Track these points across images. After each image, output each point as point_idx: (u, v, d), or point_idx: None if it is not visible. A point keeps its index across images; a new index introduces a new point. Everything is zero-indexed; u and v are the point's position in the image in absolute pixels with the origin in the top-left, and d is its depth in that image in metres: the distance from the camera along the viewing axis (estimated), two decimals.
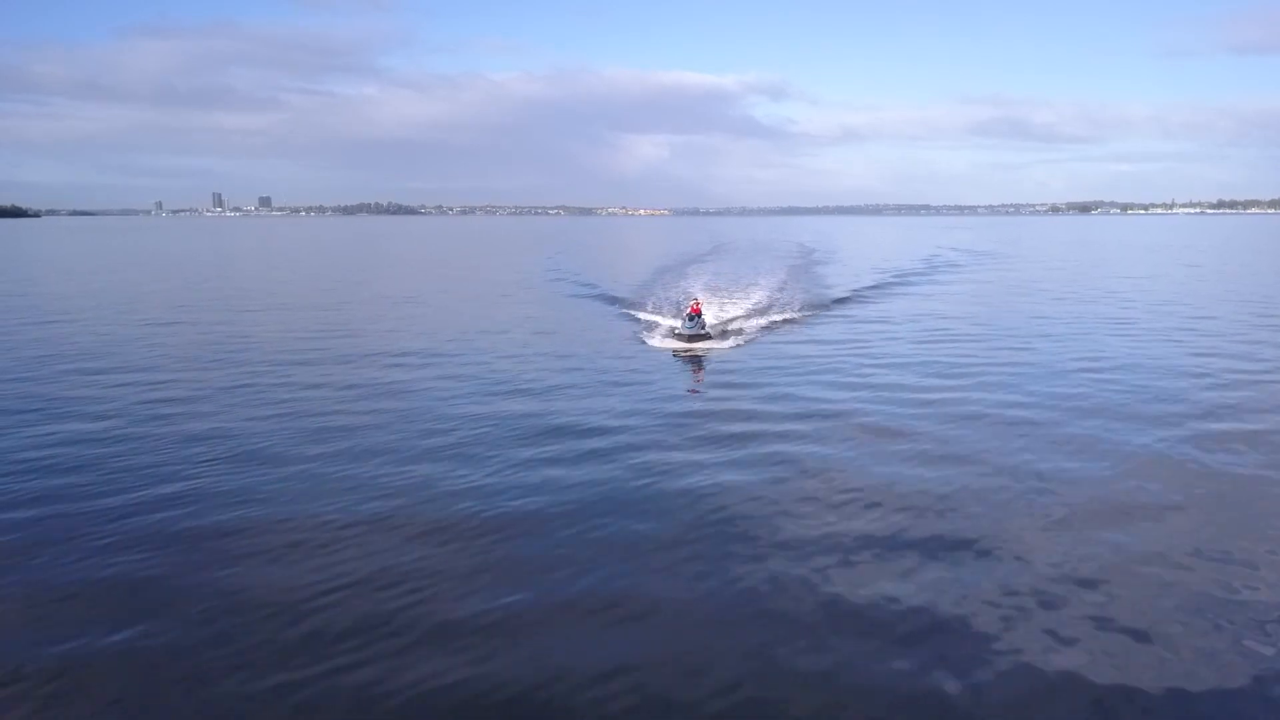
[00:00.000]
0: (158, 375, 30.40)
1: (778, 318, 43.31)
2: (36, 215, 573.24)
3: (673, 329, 37.12)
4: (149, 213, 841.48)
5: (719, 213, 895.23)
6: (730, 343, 36.06)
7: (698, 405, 25.71)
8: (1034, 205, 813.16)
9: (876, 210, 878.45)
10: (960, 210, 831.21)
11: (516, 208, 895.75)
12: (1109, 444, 21.19)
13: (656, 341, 36.26)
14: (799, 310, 46.55)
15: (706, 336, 35.64)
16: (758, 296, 52.96)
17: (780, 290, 58.31)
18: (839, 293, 57.48)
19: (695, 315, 36.73)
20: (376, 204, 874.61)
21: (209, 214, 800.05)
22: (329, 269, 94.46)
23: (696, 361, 32.75)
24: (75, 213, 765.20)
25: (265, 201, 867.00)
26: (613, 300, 53.42)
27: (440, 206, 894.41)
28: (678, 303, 42.40)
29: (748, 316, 43.73)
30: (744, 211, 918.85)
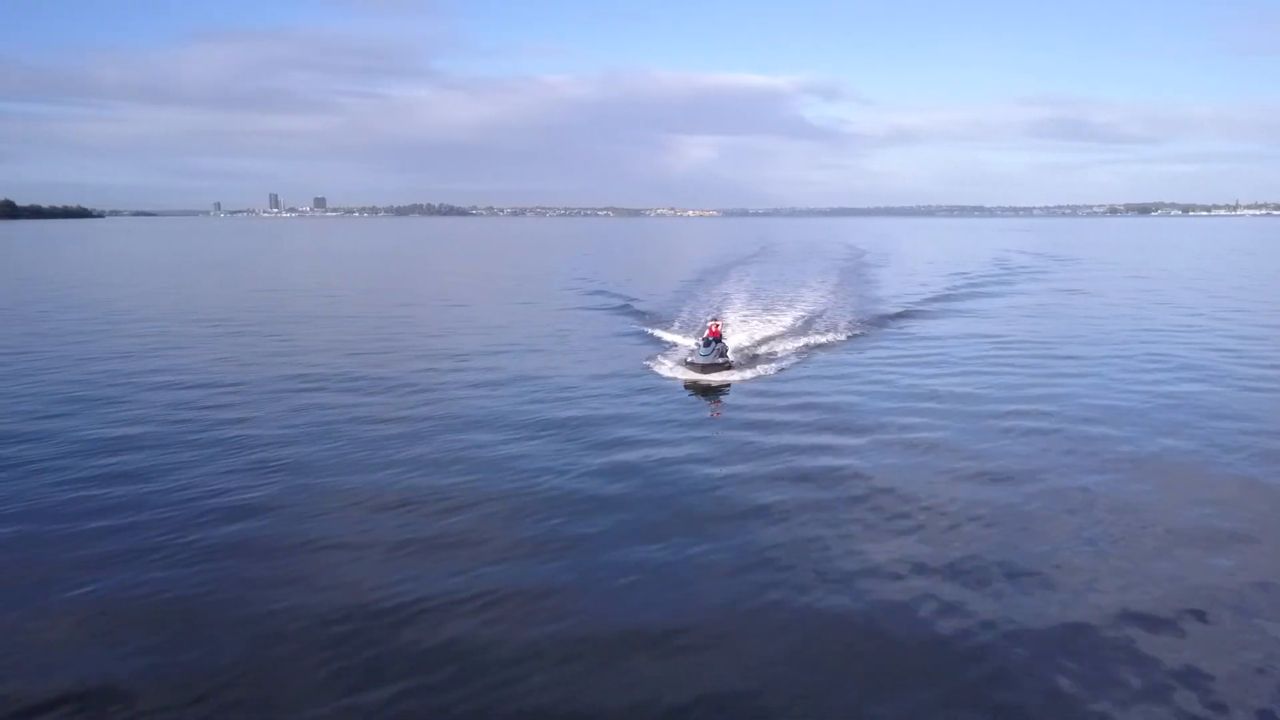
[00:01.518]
0: (211, 379, 30.75)
1: (818, 339, 37.83)
2: (100, 216, 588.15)
3: (688, 354, 31.86)
4: (208, 213, 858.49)
5: (768, 214, 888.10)
6: (757, 371, 30.97)
7: (703, 463, 20.56)
8: (1091, 207, 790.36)
9: (929, 212, 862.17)
10: (1015, 212, 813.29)
11: (566, 209, 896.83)
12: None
13: (668, 370, 31.16)
14: (845, 329, 41.10)
15: (725, 366, 30.41)
16: (800, 309, 47.98)
17: (826, 298, 53.88)
18: (891, 306, 52.01)
19: (714, 339, 31.29)
20: (428, 205, 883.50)
21: (266, 215, 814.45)
22: (364, 273, 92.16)
23: (711, 397, 27.79)
24: (137, 213, 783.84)
25: (320, 202, 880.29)
26: (636, 313, 48.62)
27: (491, 208, 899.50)
28: (712, 314, 38.19)
29: (782, 337, 38.49)
30: (793, 213, 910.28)
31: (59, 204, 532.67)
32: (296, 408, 26.23)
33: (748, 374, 30.64)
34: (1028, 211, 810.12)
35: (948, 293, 60.90)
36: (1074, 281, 73.30)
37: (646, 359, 33.55)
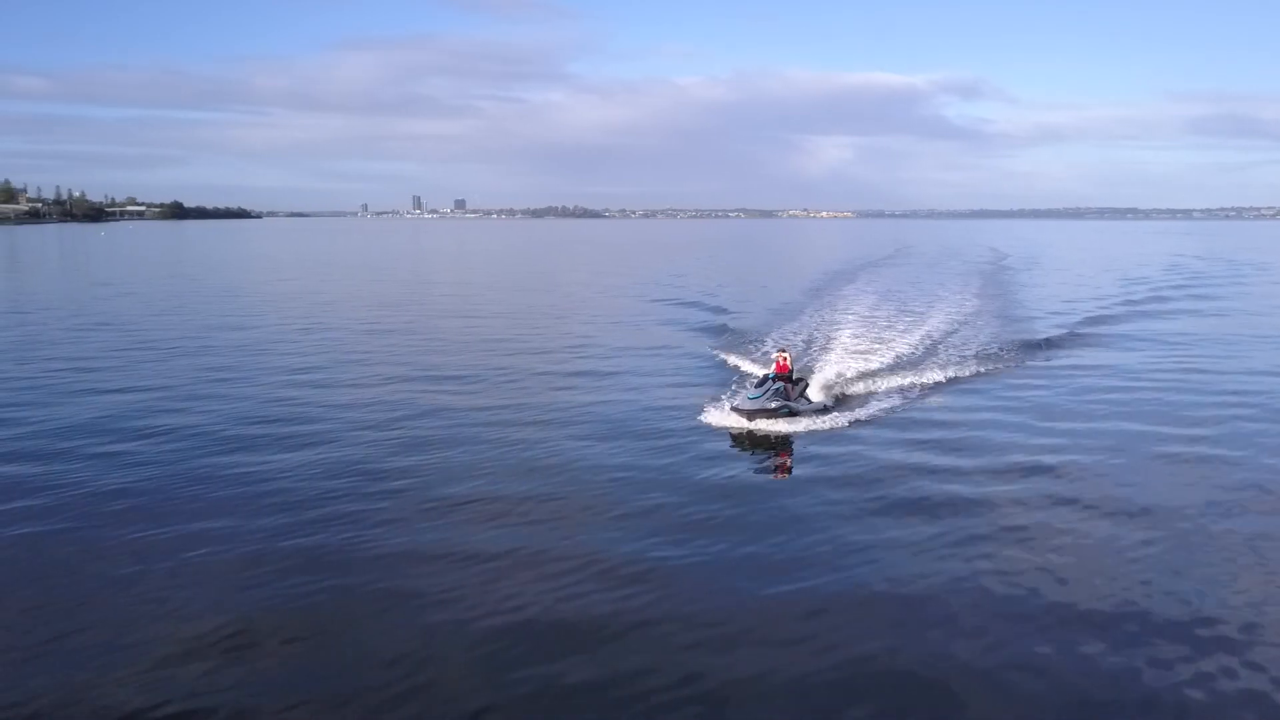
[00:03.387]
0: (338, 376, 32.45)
1: (932, 375, 30.49)
2: (258, 216, 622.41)
3: (740, 396, 25.31)
4: (355, 214, 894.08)
5: (905, 215, 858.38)
6: (840, 418, 24.44)
7: (736, 548, 14.82)
8: (1258, 209, 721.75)
9: (1076, 214, 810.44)
10: (1172, 214, 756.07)
11: (697, 211, 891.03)
12: None
13: (717, 416, 24.42)
14: (970, 359, 33.72)
15: (781, 411, 23.66)
16: (923, 329, 40.68)
17: (956, 313, 46.88)
18: (1027, 328, 43.42)
19: (779, 375, 25.05)
20: (563, 207, 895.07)
21: (409, 216, 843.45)
22: (483, 276, 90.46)
23: (772, 451, 21.87)
24: (291, 214, 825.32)
25: (460, 204, 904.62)
26: (728, 330, 42.47)
27: (624, 210, 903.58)
28: (780, 345, 32.23)
29: (892, 369, 31.47)
30: (932, 214, 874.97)
31: (221, 205, 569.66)
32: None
33: (826, 420, 24.34)
34: (1186, 214, 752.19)
35: (1099, 313, 51.88)
36: (1244, 296, 63.22)
37: (707, 398, 26.85)
